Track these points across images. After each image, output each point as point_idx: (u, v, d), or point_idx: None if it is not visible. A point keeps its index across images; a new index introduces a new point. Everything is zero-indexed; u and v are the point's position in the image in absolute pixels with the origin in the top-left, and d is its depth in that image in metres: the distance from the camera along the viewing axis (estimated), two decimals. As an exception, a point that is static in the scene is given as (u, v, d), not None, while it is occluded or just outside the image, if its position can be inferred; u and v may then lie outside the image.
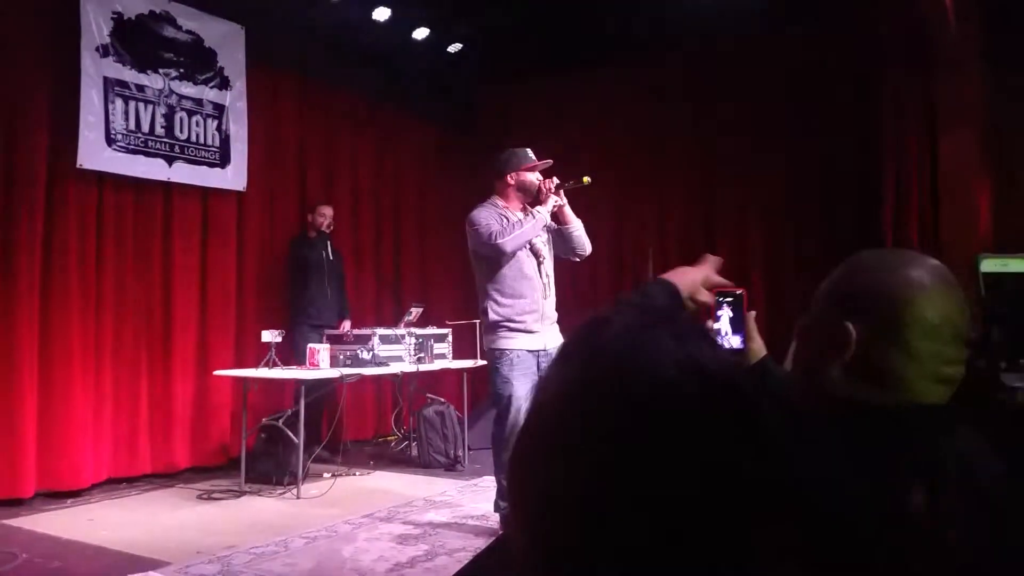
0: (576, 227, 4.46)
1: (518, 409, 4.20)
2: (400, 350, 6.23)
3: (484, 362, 5.75)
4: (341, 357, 5.73)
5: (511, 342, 4.27)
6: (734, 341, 1.49)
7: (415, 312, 6.51)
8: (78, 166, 5.27)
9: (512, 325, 4.28)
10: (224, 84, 6.18)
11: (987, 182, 5.88)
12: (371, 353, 5.91)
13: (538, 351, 4.30)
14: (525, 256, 4.34)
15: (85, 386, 5.34)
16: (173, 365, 5.91)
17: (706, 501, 0.65)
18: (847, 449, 1.07)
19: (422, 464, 6.27)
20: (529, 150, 4.49)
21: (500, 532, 4.22)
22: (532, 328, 4.29)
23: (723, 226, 7.06)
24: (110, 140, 5.43)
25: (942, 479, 1.02)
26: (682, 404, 0.66)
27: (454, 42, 7.39)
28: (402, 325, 6.43)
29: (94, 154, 5.35)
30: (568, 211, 4.43)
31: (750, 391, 0.71)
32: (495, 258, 4.27)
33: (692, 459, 0.65)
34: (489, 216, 4.30)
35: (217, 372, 5.84)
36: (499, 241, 4.20)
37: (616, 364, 0.69)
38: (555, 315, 4.44)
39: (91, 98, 5.33)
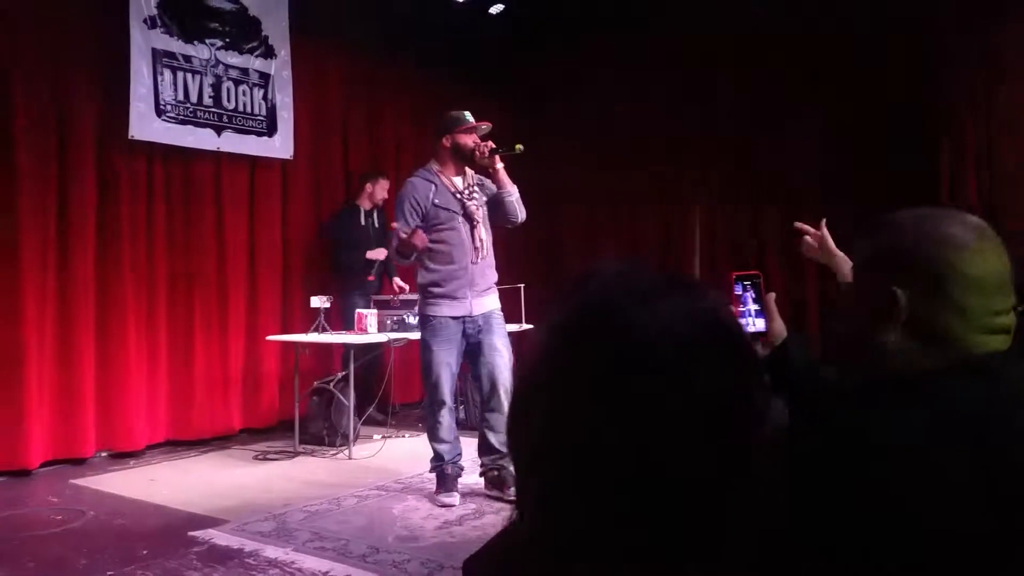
0: (510, 192, 4.37)
1: (439, 375, 4.25)
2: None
3: (530, 325, 5.82)
4: (388, 322, 5.83)
5: (434, 308, 4.30)
6: (757, 323, 1.49)
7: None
8: (129, 137, 5.39)
9: (436, 291, 4.28)
10: (269, 53, 6.25)
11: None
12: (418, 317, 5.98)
13: (463, 317, 4.28)
14: (459, 221, 4.31)
15: (140, 352, 5.53)
16: (226, 331, 6.07)
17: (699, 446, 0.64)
18: (924, 413, 1.06)
19: (470, 426, 6.34)
20: (468, 112, 4.40)
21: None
22: (456, 294, 4.27)
23: (770, 192, 6.93)
24: (160, 111, 5.54)
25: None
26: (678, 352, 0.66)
27: (495, 2, 7.33)
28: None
29: (145, 125, 5.46)
30: (503, 176, 4.34)
31: (745, 339, 0.72)
32: (427, 222, 4.27)
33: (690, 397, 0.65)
34: (404, 203, 4.29)
35: (269, 337, 5.98)
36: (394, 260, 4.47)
37: (602, 310, 0.69)
38: (489, 281, 4.41)
39: (140, 69, 5.43)
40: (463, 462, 4.47)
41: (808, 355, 1.49)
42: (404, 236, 4.16)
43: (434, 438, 4.41)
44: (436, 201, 4.29)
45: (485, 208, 4.42)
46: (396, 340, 5.66)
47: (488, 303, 4.38)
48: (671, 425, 0.64)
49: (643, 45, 7.36)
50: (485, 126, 4.41)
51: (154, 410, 5.62)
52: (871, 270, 1.20)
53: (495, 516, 4.08)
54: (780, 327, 1.50)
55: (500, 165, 4.33)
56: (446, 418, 4.36)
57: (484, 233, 4.38)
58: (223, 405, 6.01)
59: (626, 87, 7.53)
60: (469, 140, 4.34)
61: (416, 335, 5.84)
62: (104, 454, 5.36)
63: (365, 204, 6.60)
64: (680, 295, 0.71)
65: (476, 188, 4.44)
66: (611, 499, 0.65)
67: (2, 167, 4.88)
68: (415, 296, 6.19)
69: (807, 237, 2.03)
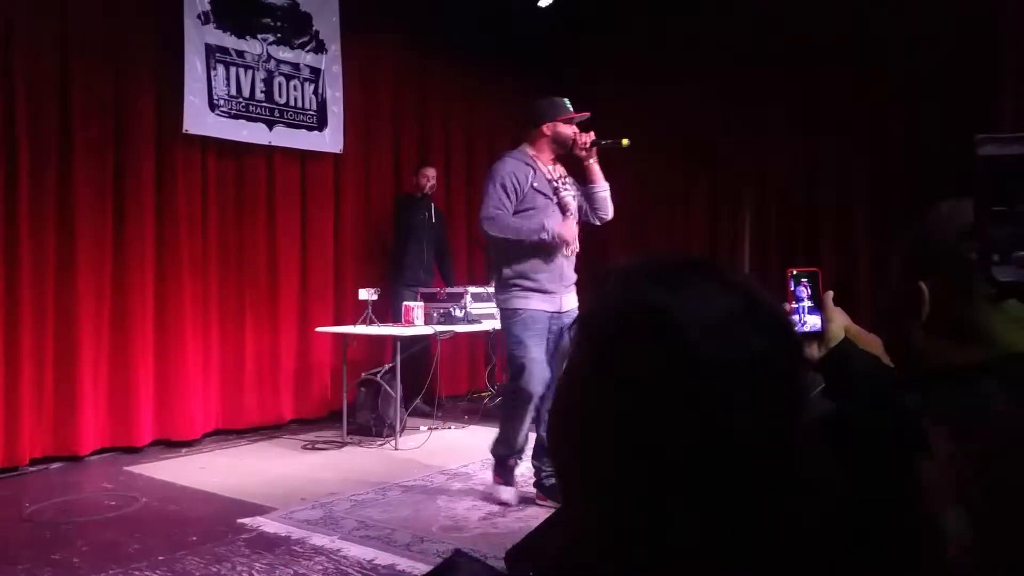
0: (602, 188, 4.19)
1: (531, 373, 3.99)
2: (492, 308, 6.29)
3: (575, 318, 5.79)
4: (435, 315, 5.86)
5: (523, 301, 4.04)
6: (813, 321, 1.42)
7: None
8: (184, 131, 5.49)
9: (526, 283, 4.04)
10: (320, 48, 6.31)
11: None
12: (463, 311, 6.01)
13: (552, 313, 4.08)
14: (552, 210, 4.09)
15: (195, 344, 5.63)
16: (277, 322, 6.15)
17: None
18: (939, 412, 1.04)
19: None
20: (567, 100, 4.21)
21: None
22: (548, 288, 4.05)
23: (825, 186, 6.78)
24: (213, 105, 5.63)
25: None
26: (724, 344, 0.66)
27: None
28: (493, 283, 6.49)
29: (199, 119, 5.56)
30: (597, 170, 4.16)
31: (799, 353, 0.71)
32: (520, 206, 4.06)
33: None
34: (503, 180, 4.05)
35: (319, 329, 6.05)
36: (485, 226, 4.05)
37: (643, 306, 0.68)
38: (574, 276, 4.20)
39: (194, 64, 5.53)
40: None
41: (872, 358, 1.42)
42: (552, 236, 3.97)
43: (511, 426, 4.14)
44: (535, 185, 4.08)
45: (577, 201, 4.22)
46: (442, 333, 5.69)
47: (572, 300, 4.17)
48: (715, 413, 0.64)
49: (693, 39, 7.28)
50: (584, 116, 4.19)
51: (207, 400, 5.72)
52: (901, 265, 1.16)
53: (539, 508, 4.07)
54: (838, 327, 1.42)
55: (595, 159, 4.16)
56: (529, 412, 4.09)
57: (575, 227, 4.18)
58: (274, 395, 6.10)
59: (676, 83, 7.44)
60: (569, 130, 4.14)
61: (463, 328, 5.90)
62: (158, 443, 5.47)
63: (416, 193, 6.65)
64: (707, 278, 0.70)
65: (569, 179, 4.26)
66: (657, 492, 0.65)
67: (59, 160, 5.00)
68: (460, 289, 6.26)
69: None
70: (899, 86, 6.19)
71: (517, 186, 4.05)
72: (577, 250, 4.19)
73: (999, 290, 0.81)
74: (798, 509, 0.67)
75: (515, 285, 4.07)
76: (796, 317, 1.43)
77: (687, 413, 0.64)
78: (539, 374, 4.03)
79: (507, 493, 4.18)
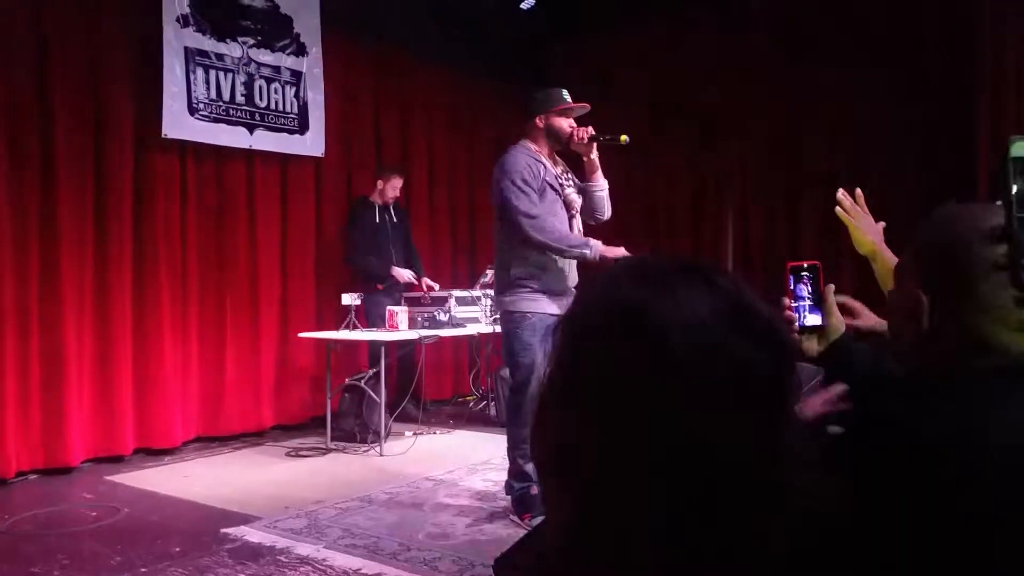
0: (602, 186, 4.01)
1: (539, 379, 3.82)
2: (476, 311, 6.29)
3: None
4: (419, 319, 5.82)
5: (531, 304, 3.82)
6: (813, 318, 1.41)
7: (490, 274, 6.54)
8: (163, 135, 5.43)
9: (535, 284, 3.83)
10: (301, 51, 6.26)
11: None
12: (448, 315, 5.98)
13: (560, 316, 3.88)
14: (560, 208, 3.90)
15: (175, 350, 5.57)
16: (258, 328, 6.10)
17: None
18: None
19: (500, 423, 6.34)
20: (565, 91, 3.98)
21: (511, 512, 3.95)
22: (556, 289, 3.87)
23: (809, 185, 6.81)
24: (192, 109, 5.57)
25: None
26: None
27: (526, -1, 7.31)
28: (477, 287, 6.48)
29: (178, 123, 5.49)
30: (597, 167, 3.98)
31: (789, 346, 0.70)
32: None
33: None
34: (522, 175, 3.80)
35: (301, 334, 6.00)
36: (530, 232, 3.73)
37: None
38: (577, 278, 4.01)
39: (173, 68, 5.46)
40: (495, 460, 4.37)
41: (871, 352, 1.41)
42: (596, 256, 3.74)
43: (524, 454, 3.80)
44: (547, 179, 3.87)
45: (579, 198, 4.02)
46: (427, 337, 5.65)
47: None
48: (701, 414, 0.64)
49: (675, 38, 7.30)
50: (583, 108, 3.97)
51: (188, 407, 5.66)
52: (903, 272, 1.17)
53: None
54: (839, 322, 1.42)
55: (595, 154, 3.98)
56: None
57: (580, 224, 4.01)
58: (255, 402, 6.04)
59: (656, 82, 7.46)
60: (566, 123, 3.94)
61: (447, 332, 5.87)
62: (140, 451, 5.40)
63: (377, 199, 6.45)
64: (693, 280, 0.69)
65: (570, 176, 4.07)
66: (637, 494, 0.65)
67: (41, 165, 4.92)
68: (444, 293, 6.22)
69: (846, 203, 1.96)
70: (886, 80, 6.22)
71: (534, 180, 3.84)
72: None
73: None
74: (778, 513, 0.66)
75: (523, 286, 3.85)
76: (796, 315, 1.41)
77: (667, 415, 0.64)
78: None
79: None
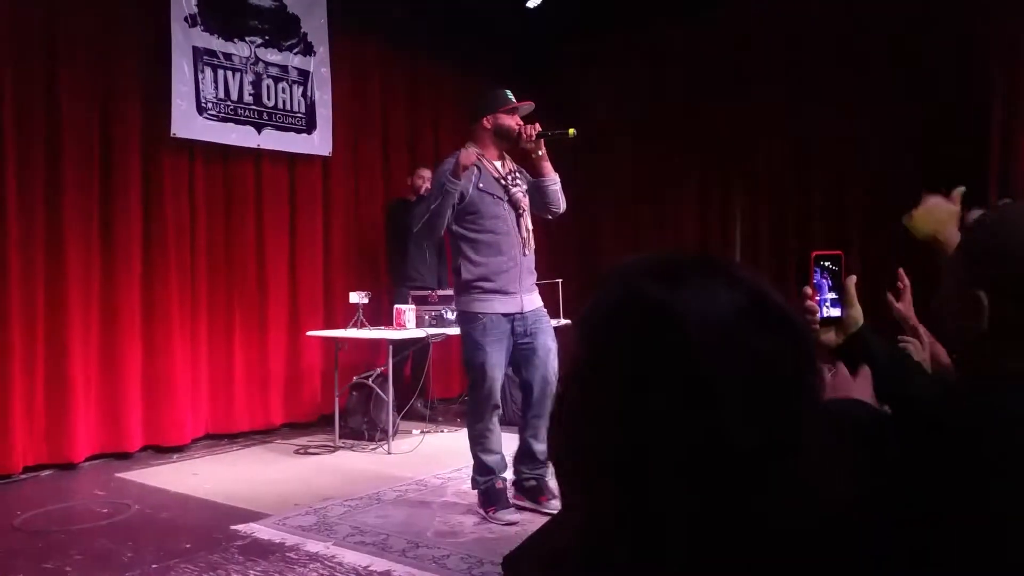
0: (552, 181, 4.04)
1: (493, 380, 3.87)
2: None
3: (567, 321, 5.78)
4: (427, 317, 5.84)
5: (483, 304, 3.89)
6: (832, 310, 1.40)
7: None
8: (172, 135, 5.45)
9: (486, 285, 3.89)
10: (308, 50, 6.28)
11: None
12: (456, 313, 5.98)
13: (514, 314, 3.92)
14: (505, 209, 3.94)
15: (184, 347, 5.59)
16: (267, 326, 6.12)
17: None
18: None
19: (507, 421, 6.33)
20: (508, 91, 4.03)
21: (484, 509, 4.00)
22: (507, 288, 3.90)
23: (820, 185, 6.79)
24: (201, 109, 5.59)
25: None
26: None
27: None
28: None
29: (187, 123, 5.52)
30: (546, 163, 4.00)
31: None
32: (468, 209, 3.90)
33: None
34: (438, 177, 3.94)
35: (309, 333, 6.02)
36: (415, 230, 3.97)
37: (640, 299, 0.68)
38: (535, 274, 4.08)
39: (182, 68, 5.48)
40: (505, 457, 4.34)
41: (889, 345, 1.39)
42: (455, 172, 3.81)
43: (484, 448, 3.97)
44: (480, 186, 3.92)
45: (528, 197, 4.07)
46: (435, 336, 5.67)
47: (534, 300, 4.03)
48: (723, 410, 0.63)
49: (686, 37, 7.30)
50: (527, 106, 4.03)
51: (198, 405, 5.69)
52: (959, 271, 1.13)
53: (532, 513, 4.05)
54: (858, 314, 1.41)
55: (543, 151, 4.00)
56: (497, 426, 4.00)
57: (530, 221, 4.04)
58: (264, 400, 6.07)
59: (665, 80, 7.46)
60: (512, 121, 3.99)
61: (453, 330, 5.87)
62: (148, 448, 5.44)
63: (411, 196, 6.54)
64: (712, 275, 0.69)
65: (518, 174, 4.10)
66: (664, 495, 0.64)
67: (48, 164, 4.95)
68: (452, 292, 6.22)
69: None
70: (892, 78, 6.21)
71: (450, 184, 3.86)
72: (534, 247, 4.07)
73: None
74: (799, 511, 0.66)
75: (476, 288, 3.92)
76: (820, 307, 1.40)
77: (687, 412, 0.64)
78: (499, 381, 3.95)
79: (509, 515, 3.91)
